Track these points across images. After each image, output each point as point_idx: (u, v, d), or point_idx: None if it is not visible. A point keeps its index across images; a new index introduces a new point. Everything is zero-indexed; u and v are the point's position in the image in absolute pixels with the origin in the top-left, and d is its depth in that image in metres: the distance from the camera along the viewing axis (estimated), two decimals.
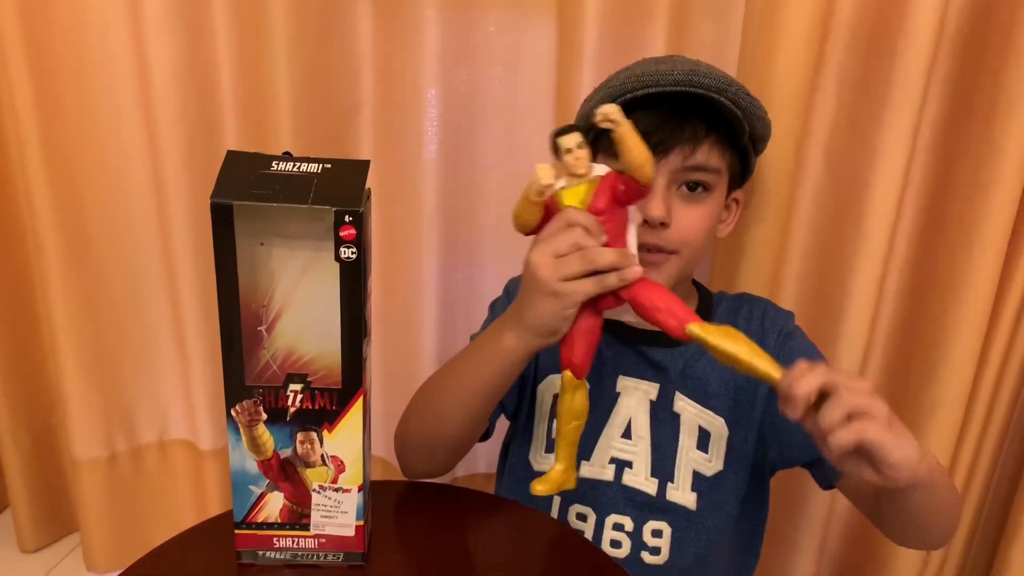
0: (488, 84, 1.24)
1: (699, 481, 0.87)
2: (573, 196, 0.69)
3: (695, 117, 0.80)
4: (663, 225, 0.82)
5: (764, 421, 0.87)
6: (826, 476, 0.85)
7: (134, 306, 1.42)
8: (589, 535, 0.88)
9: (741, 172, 0.91)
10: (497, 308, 0.98)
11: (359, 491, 0.70)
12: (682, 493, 0.87)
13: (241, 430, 0.67)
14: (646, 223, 0.81)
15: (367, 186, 0.64)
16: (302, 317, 0.67)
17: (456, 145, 1.25)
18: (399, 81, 1.23)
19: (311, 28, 1.20)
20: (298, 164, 0.64)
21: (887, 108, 1.00)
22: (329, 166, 0.64)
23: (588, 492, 0.88)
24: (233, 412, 0.67)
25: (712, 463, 0.87)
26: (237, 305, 0.64)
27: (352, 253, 0.62)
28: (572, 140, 0.66)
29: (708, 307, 0.94)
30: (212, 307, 0.64)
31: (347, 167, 0.65)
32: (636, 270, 0.66)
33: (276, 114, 1.24)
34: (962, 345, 1.04)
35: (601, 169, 0.69)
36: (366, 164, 0.65)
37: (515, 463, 0.95)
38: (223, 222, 0.61)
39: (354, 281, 0.63)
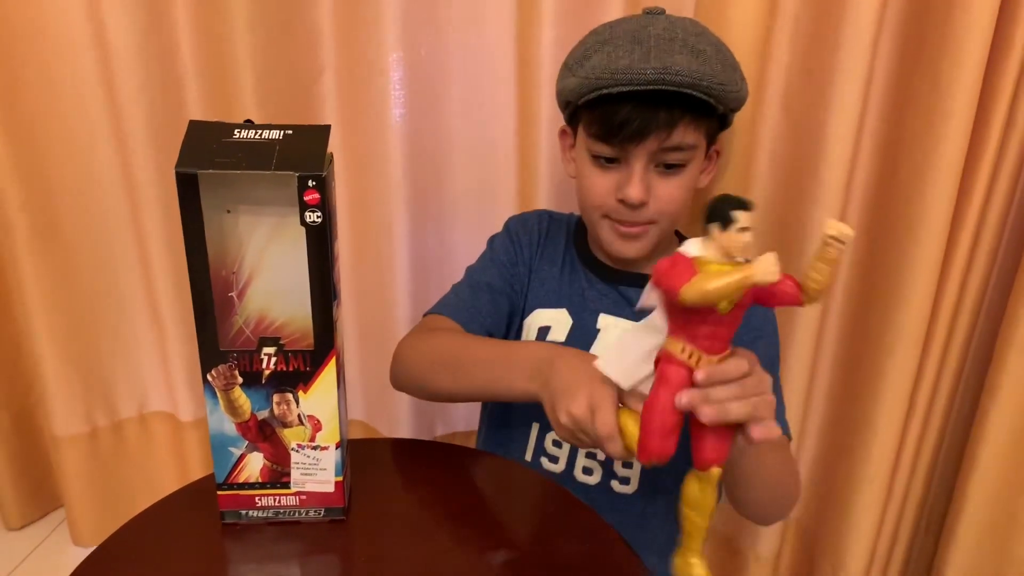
0: (449, 45, 1.24)
1: None
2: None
3: (669, 102, 0.82)
4: (642, 204, 0.85)
5: None
6: None
7: (106, 281, 1.42)
8: (563, 463, 0.92)
9: (720, 128, 0.93)
10: (496, 243, 1.01)
11: (336, 448, 0.72)
12: None
13: (218, 394, 0.69)
14: (623, 202, 0.84)
15: (328, 151, 0.66)
16: (272, 282, 0.68)
17: (420, 108, 1.25)
18: (361, 45, 1.24)
19: None
20: (260, 131, 0.65)
21: (840, 55, 1.02)
22: (290, 132, 0.65)
23: None
24: (209, 377, 0.69)
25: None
26: (207, 273, 0.65)
27: (317, 217, 0.64)
28: (748, 219, 0.54)
29: None
30: (185, 278, 0.65)
31: (308, 132, 0.66)
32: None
33: (238, 82, 1.25)
34: (918, 284, 1.07)
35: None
36: (327, 129, 0.66)
37: (494, 409, 0.98)
38: (189, 191, 0.62)
39: (321, 244, 0.65)
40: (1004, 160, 1.05)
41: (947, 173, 1.02)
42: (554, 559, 0.71)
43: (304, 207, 0.64)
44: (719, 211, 0.55)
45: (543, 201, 1.23)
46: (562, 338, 0.93)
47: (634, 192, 0.84)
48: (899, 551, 1.31)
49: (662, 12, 0.89)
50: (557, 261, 0.98)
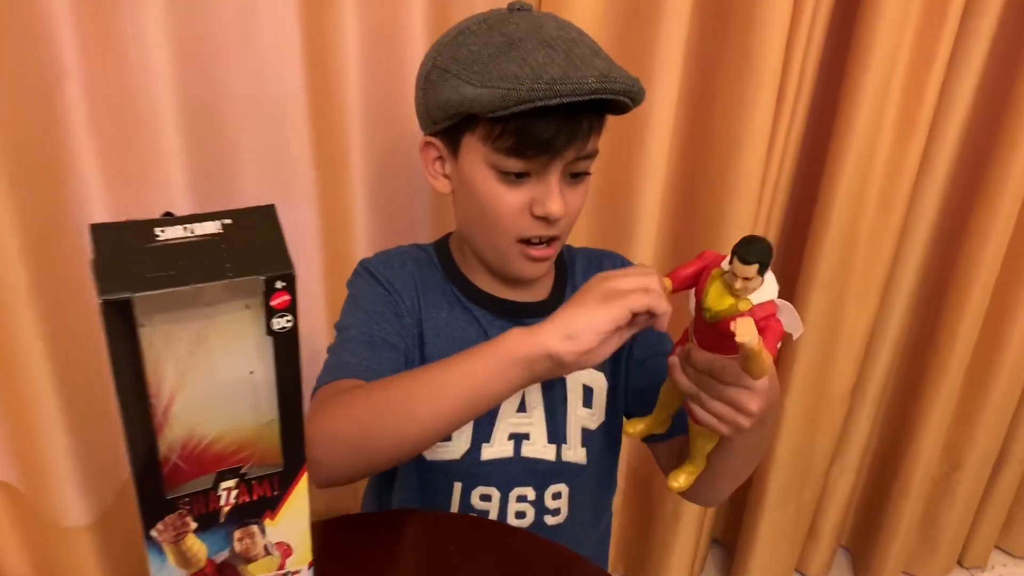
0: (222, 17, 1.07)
1: (587, 436, 0.89)
2: (719, 301, 0.63)
3: (588, 110, 0.77)
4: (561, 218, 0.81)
5: (630, 366, 0.91)
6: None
7: None
8: (494, 513, 0.87)
9: None
10: (366, 292, 0.87)
11: (309, 567, 0.62)
12: (574, 452, 0.89)
13: (165, 548, 0.56)
14: (540, 218, 0.79)
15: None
16: (198, 397, 0.55)
17: (197, 91, 1.08)
18: (111, 38, 1.02)
19: None
20: (190, 226, 0.51)
21: (659, 33, 1.05)
22: (229, 221, 0.52)
23: (491, 472, 0.86)
24: (154, 533, 0.55)
25: (595, 416, 0.90)
26: (148, 413, 0.51)
27: (287, 321, 0.52)
28: (752, 271, 0.60)
29: (562, 262, 0.94)
30: None
31: (251, 217, 0.53)
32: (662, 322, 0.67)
33: None
34: (738, 221, 1.19)
35: (759, 295, 0.63)
36: (271, 210, 0.54)
37: (405, 479, 0.89)
38: (121, 321, 0.48)
39: (292, 352, 0.54)
40: (793, 127, 1.17)
41: (759, 139, 1.10)
42: None
43: (271, 313, 0.52)
44: (740, 251, 0.61)
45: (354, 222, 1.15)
46: None
47: (556, 207, 0.78)
48: None
49: (530, 8, 0.83)
50: (443, 304, 0.88)
